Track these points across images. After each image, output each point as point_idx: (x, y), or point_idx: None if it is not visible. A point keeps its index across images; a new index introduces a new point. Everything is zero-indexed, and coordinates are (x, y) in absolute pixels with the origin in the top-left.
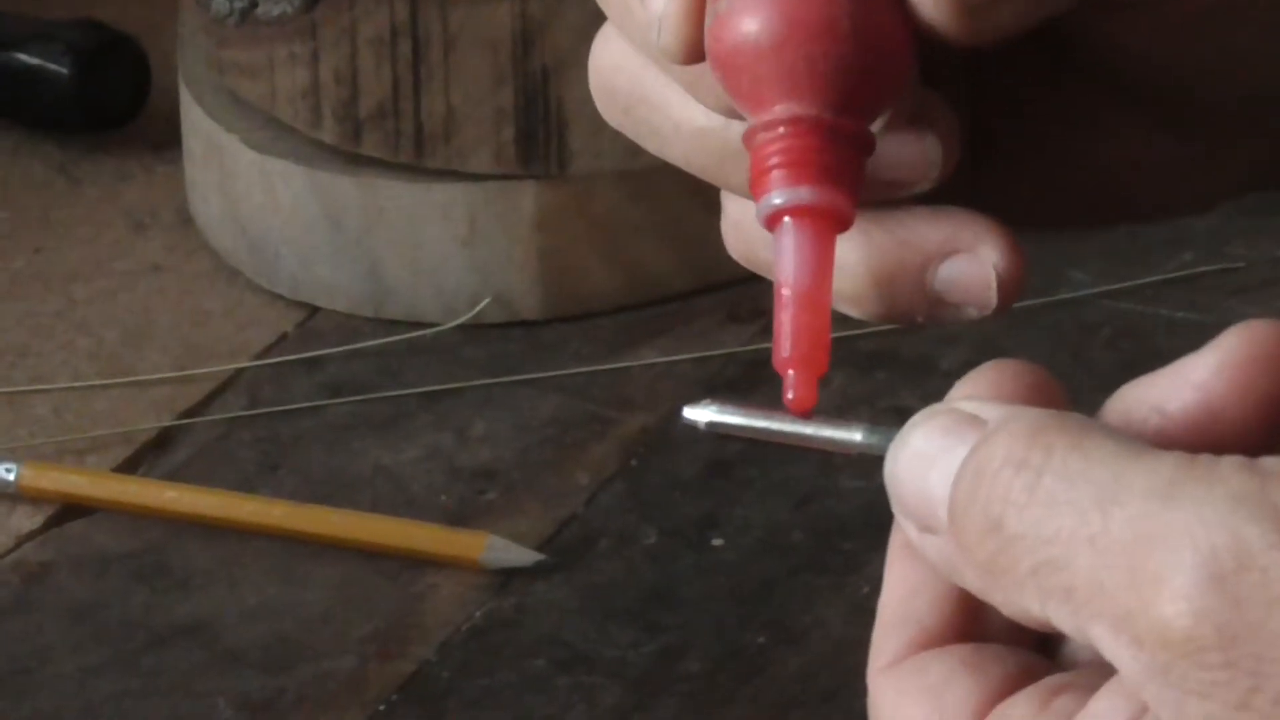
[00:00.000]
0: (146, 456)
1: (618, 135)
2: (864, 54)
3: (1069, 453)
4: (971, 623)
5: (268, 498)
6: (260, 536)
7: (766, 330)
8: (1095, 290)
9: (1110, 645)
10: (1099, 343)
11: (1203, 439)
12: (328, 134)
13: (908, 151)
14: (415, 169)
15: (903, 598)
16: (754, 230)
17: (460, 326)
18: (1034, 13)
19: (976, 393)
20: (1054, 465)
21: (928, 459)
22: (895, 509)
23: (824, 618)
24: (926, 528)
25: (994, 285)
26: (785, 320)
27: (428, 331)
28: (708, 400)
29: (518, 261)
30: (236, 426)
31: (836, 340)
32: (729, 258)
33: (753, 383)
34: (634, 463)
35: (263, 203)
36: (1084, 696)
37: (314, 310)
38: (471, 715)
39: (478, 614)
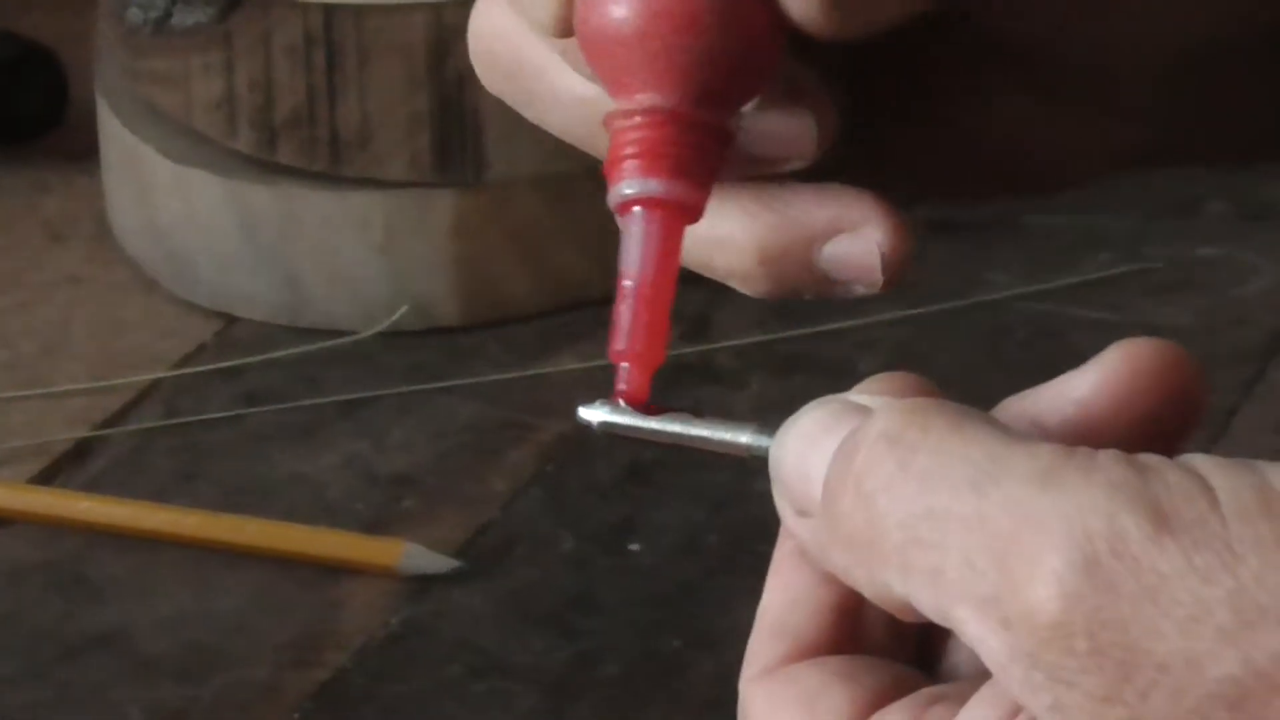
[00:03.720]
0: (63, 468)
1: (534, 141)
2: (727, 48)
3: (946, 432)
4: (849, 636)
5: (184, 507)
6: (176, 546)
7: (684, 337)
8: (1013, 292)
9: (975, 628)
10: (1016, 344)
11: None
12: (243, 143)
13: (782, 128)
14: (331, 177)
15: (782, 608)
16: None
17: (378, 334)
18: (898, 11)
19: (868, 391)
20: (930, 443)
21: (810, 441)
22: (775, 493)
23: (740, 620)
24: (802, 510)
25: (879, 264)
26: (624, 312)
27: (345, 340)
28: (601, 401)
29: (435, 269)
30: (154, 437)
31: (755, 344)
32: None
33: (671, 389)
34: (551, 469)
35: (180, 212)
36: (959, 708)
37: (232, 320)
38: None
39: (394, 621)
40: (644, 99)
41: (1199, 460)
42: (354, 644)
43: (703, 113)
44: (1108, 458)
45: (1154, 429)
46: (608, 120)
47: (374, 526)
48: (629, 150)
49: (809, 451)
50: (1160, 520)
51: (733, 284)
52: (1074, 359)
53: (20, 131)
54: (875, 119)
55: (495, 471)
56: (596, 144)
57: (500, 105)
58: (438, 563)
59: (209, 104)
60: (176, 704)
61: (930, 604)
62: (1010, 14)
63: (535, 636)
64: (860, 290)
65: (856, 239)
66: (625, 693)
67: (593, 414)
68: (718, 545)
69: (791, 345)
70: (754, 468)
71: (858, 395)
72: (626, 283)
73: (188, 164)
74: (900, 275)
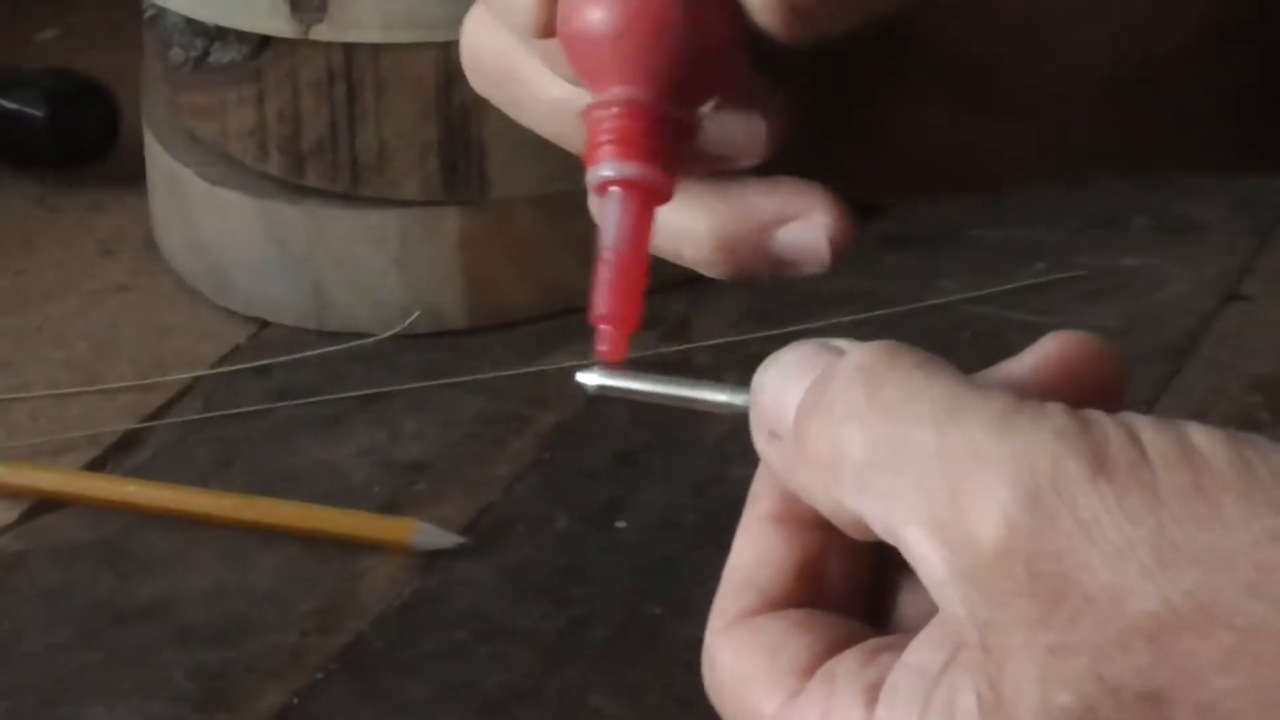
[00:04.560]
0: (112, 456)
1: (532, 164)
2: (694, 49)
3: (913, 370)
4: (808, 592)
5: (220, 491)
6: (213, 526)
7: (666, 338)
8: (960, 297)
9: (921, 547)
10: (963, 343)
11: None
12: (274, 167)
13: (740, 130)
14: (352, 197)
15: (749, 565)
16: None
17: (394, 337)
18: (853, 18)
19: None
20: (897, 377)
21: (787, 373)
22: (751, 420)
23: (715, 590)
24: (774, 433)
25: (827, 246)
26: (602, 281)
27: (365, 341)
28: (595, 366)
29: (444, 278)
30: (193, 428)
31: (730, 344)
32: None
33: None
34: (547, 456)
35: (217, 229)
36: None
37: (264, 324)
38: (402, 681)
39: (407, 591)
40: (619, 92)
41: (1132, 417)
42: (372, 612)
43: (671, 106)
44: (1056, 408)
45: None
46: (586, 111)
47: (389, 507)
48: (606, 137)
49: (786, 382)
50: (1098, 464)
51: (700, 270)
52: (1012, 355)
53: (77, 157)
54: (818, 123)
55: (498, 458)
56: (574, 141)
57: (502, 133)
58: (446, 539)
59: (243, 132)
60: (215, 666)
61: (881, 522)
62: (952, 28)
63: (532, 605)
64: (812, 269)
65: (805, 225)
66: (612, 654)
67: (589, 378)
68: (697, 523)
69: (762, 345)
70: (729, 454)
71: (835, 340)
72: (605, 254)
73: (224, 186)
74: (846, 255)
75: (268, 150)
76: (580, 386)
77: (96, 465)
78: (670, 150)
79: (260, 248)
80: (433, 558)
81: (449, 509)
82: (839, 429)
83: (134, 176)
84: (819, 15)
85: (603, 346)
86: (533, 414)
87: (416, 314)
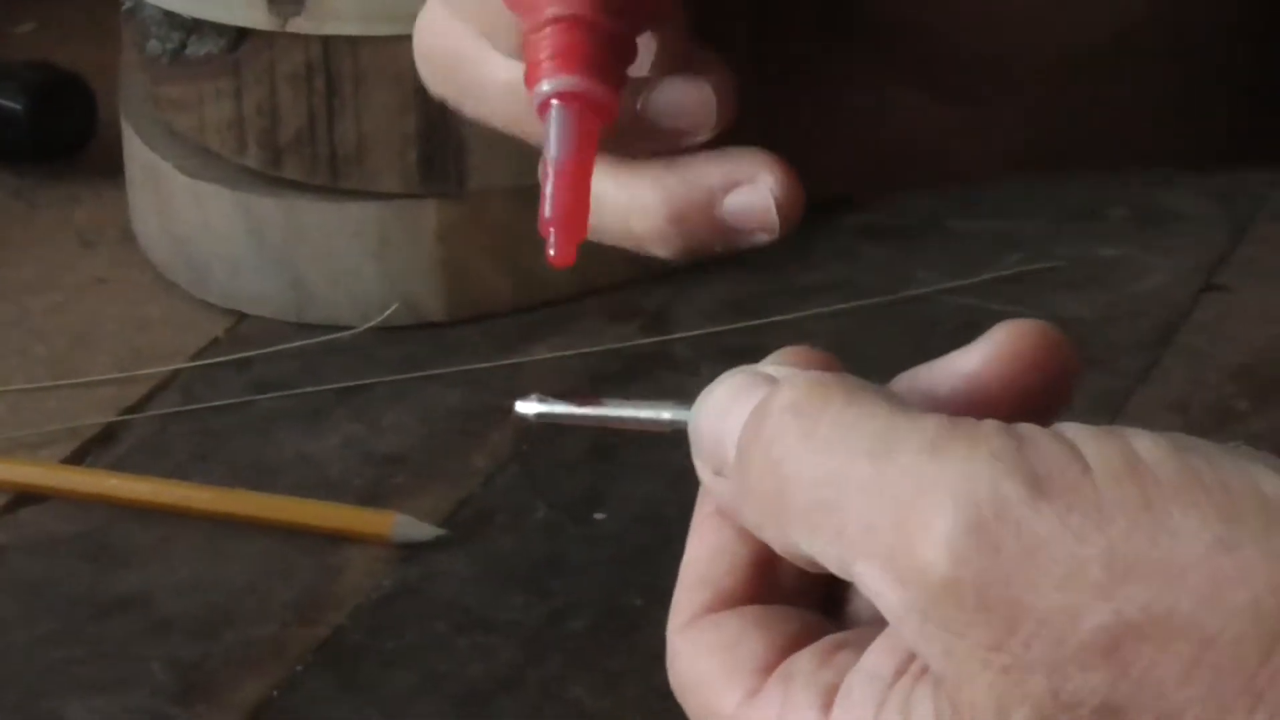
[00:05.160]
0: (91, 449)
1: (511, 156)
2: None
3: (845, 405)
4: (763, 586)
5: (199, 484)
6: (192, 518)
7: (645, 328)
8: (937, 288)
9: (874, 583)
10: (941, 334)
11: None
12: (252, 160)
13: (687, 100)
14: (331, 190)
15: (703, 562)
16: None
17: (372, 329)
18: None
19: (775, 362)
20: (830, 415)
21: (723, 409)
22: (694, 455)
23: None
24: (718, 470)
25: (774, 209)
26: (549, 190)
27: (344, 334)
28: (534, 395)
29: (423, 270)
30: (173, 421)
31: (707, 335)
32: (612, 264)
33: (632, 375)
34: (526, 448)
35: (196, 222)
36: (860, 652)
37: (242, 317)
38: (381, 674)
39: (386, 584)
40: (553, 10)
41: (1070, 429)
42: (350, 604)
43: (607, 20)
44: (989, 428)
45: (1032, 401)
46: (524, 38)
47: (369, 499)
48: (544, 54)
49: (723, 417)
50: (1037, 486)
51: (651, 248)
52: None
53: (55, 150)
54: (768, 108)
55: (477, 450)
56: (526, 127)
57: (479, 126)
58: (425, 531)
59: (221, 125)
60: (193, 659)
61: (834, 560)
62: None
63: (512, 596)
64: (762, 238)
65: (753, 190)
66: (592, 645)
67: (527, 407)
68: (675, 515)
69: (739, 336)
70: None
71: (765, 366)
72: (550, 166)
73: (202, 179)
74: (795, 219)
75: (246, 143)
76: (520, 417)
77: (76, 458)
78: (609, 64)
79: (239, 240)
80: (412, 550)
81: (428, 501)
82: (779, 471)
83: (112, 169)
84: None
85: (551, 251)
86: (512, 406)
87: (395, 306)
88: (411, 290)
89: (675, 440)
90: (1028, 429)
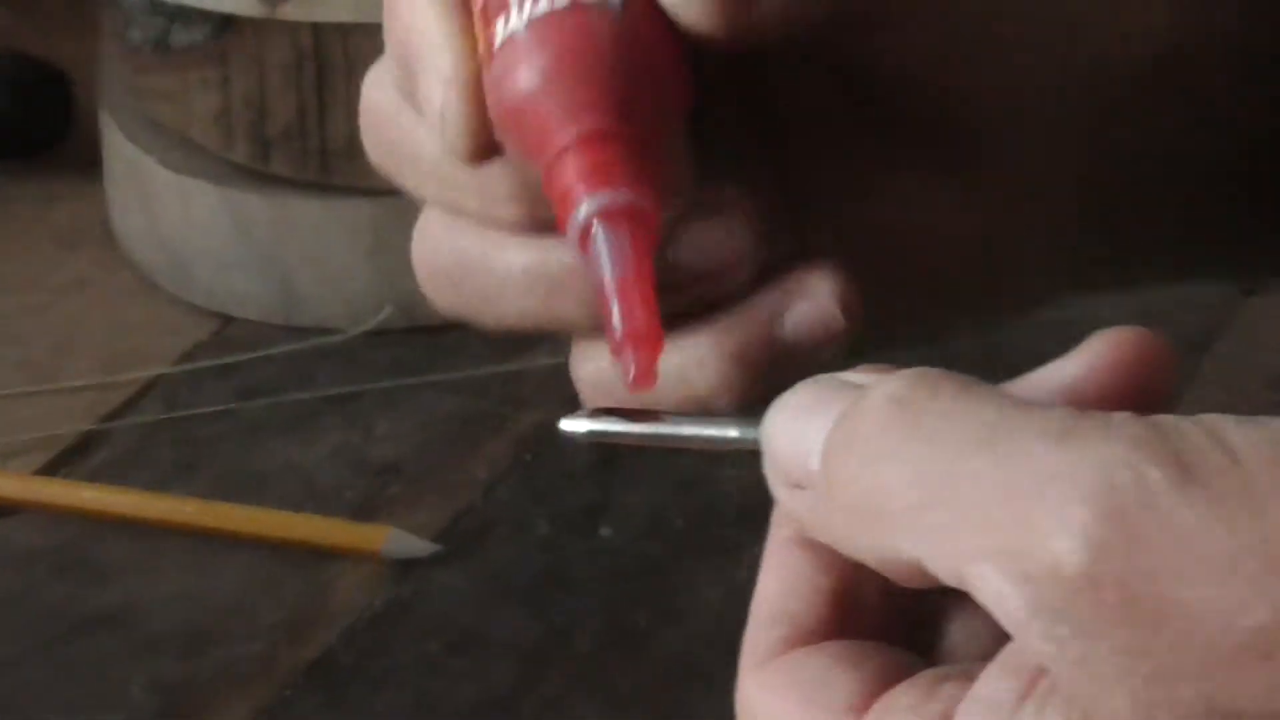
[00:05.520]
0: (69, 459)
1: None
2: (635, 64)
3: (956, 395)
4: (846, 622)
5: (182, 495)
6: (175, 532)
7: None
8: None
9: (993, 585)
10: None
11: None
12: (239, 154)
13: (713, 237)
14: (321, 186)
15: (778, 595)
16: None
17: (365, 332)
18: (789, 12)
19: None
20: (939, 405)
21: (804, 415)
22: (767, 469)
23: (704, 598)
24: (796, 482)
25: (839, 313)
26: (615, 310)
27: (335, 338)
28: (583, 410)
29: None
30: (154, 430)
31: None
32: None
33: None
34: (527, 457)
35: (180, 219)
36: (968, 685)
37: (228, 319)
38: (372, 696)
39: (378, 602)
40: (570, 132)
41: (1211, 418)
42: (341, 623)
43: (630, 128)
44: (1123, 417)
45: (1135, 411)
46: (545, 175)
47: (361, 513)
48: (573, 178)
49: (803, 424)
50: (1185, 471)
51: (718, 401)
52: (1032, 358)
53: (31, 145)
54: (800, 226)
55: (474, 460)
56: (552, 312)
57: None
58: (420, 547)
59: (206, 118)
60: (176, 680)
61: (943, 563)
62: (897, 57)
63: (511, 614)
64: (830, 346)
65: (812, 300)
66: (595, 665)
67: (575, 424)
68: (682, 528)
69: None
70: (717, 454)
71: (849, 375)
72: (609, 286)
73: (187, 174)
74: (858, 319)
75: (233, 136)
76: (567, 436)
77: (52, 469)
78: (645, 171)
79: (225, 239)
80: (406, 566)
81: (423, 514)
82: (880, 468)
83: (91, 165)
84: (742, 8)
85: (630, 373)
86: (512, 414)
87: (389, 309)
88: (406, 292)
89: (684, 450)
90: (1165, 418)
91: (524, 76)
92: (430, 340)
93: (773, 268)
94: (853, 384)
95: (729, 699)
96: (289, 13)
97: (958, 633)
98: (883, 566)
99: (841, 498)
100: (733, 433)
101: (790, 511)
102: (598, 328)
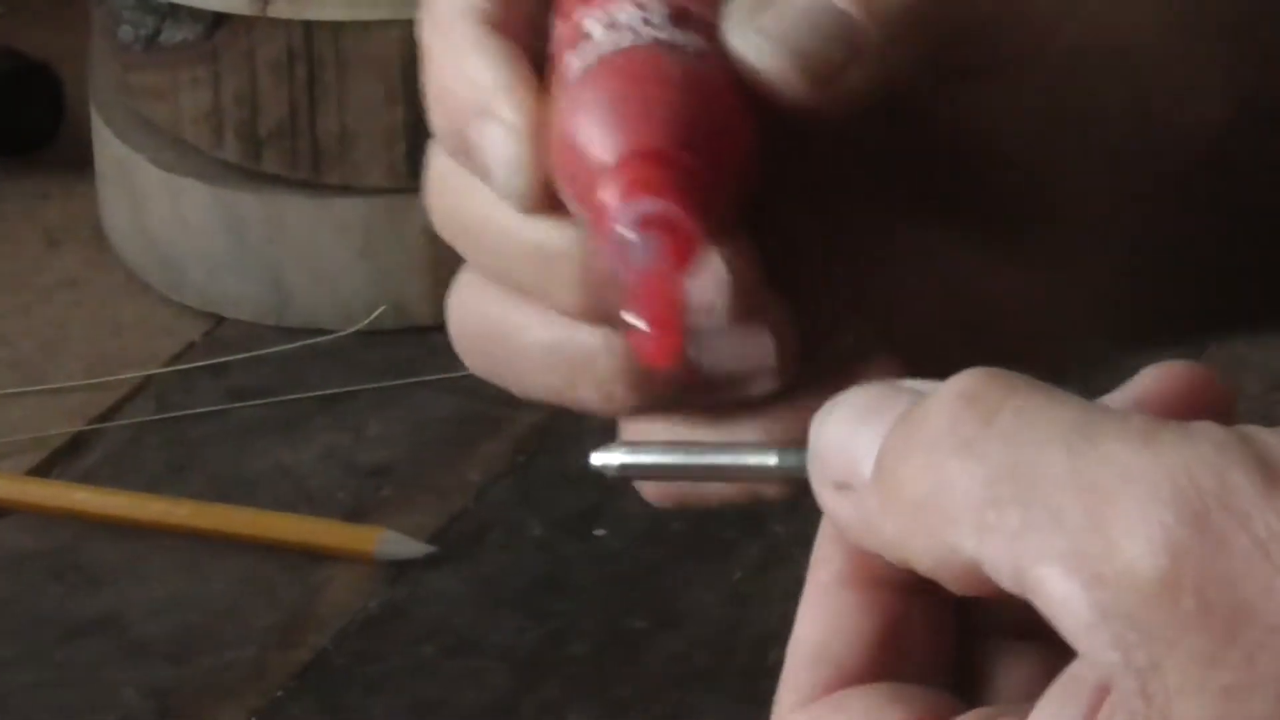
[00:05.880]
0: (59, 460)
1: None
2: (703, 108)
3: (1032, 393)
4: (890, 663)
5: (174, 497)
6: (166, 534)
7: None
8: None
9: (1060, 586)
10: None
11: None
12: (230, 153)
13: (744, 342)
14: (313, 185)
15: (822, 635)
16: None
17: (358, 332)
18: (881, 74)
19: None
20: (1015, 402)
21: (857, 417)
22: (813, 473)
23: (701, 602)
24: (844, 484)
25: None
26: (635, 307)
27: (327, 338)
28: (615, 443)
29: (411, 270)
30: (146, 430)
31: None
32: None
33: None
34: (522, 459)
35: (171, 219)
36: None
37: (220, 320)
38: (366, 700)
39: (372, 604)
40: (614, 151)
41: None
42: (334, 626)
43: (681, 152)
44: (1204, 424)
45: None
46: (587, 202)
47: (353, 515)
48: (613, 195)
49: (856, 427)
50: (1269, 476)
51: (767, 494)
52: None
53: (20, 144)
54: (854, 300)
55: (468, 462)
56: (577, 393)
57: None
58: (412, 548)
59: (197, 116)
60: (168, 683)
61: (1006, 564)
62: (984, 110)
63: (506, 618)
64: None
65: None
66: (592, 670)
67: (608, 458)
68: (680, 531)
69: None
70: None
71: (908, 381)
72: (633, 282)
73: (177, 173)
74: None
75: (224, 135)
76: (598, 471)
77: (42, 470)
78: (696, 195)
79: (216, 238)
80: (399, 568)
81: (417, 516)
82: (946, 463)
83: (81, 163)
84: (845, 73)
85: (645, 345)
86: (507, 414)
87: (382, 308)
88: (399, 291)
89: (722, 480)
90: (1246, 427)
91: (583, 106)
92: (423, 340)
93: (834, 355)
94: (910, 389)
95: (728, 703)
96: (280, 10)
97: (1003, 676)
98: (936, 569)
99: (900, 496)
100: (773, 460)
101: (834, 515)
102: (624, 411)
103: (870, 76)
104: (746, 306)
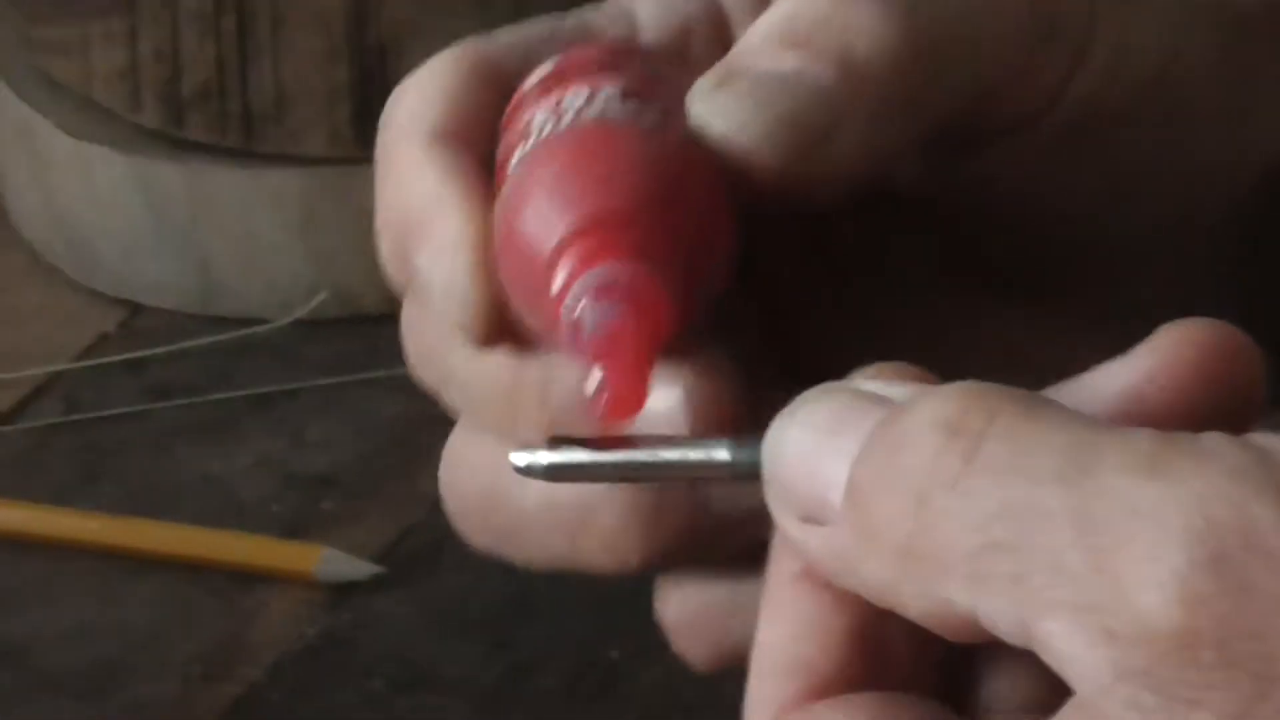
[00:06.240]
0: None
1: None
2: (665, 186)
3: (1018, 418)
4: (870, 669)
5: (85, 510)
6: (77, 553)
7: None
8: None
9: (1066, 644)
10: None
11: None
12: (149, 117)
13: (749, 492)
14: (245, 153)
15: (789, 639)
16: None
17: (296, 323)
18: (869, 151)
19: (869, 375)
20: (998, 430)
21: (821, 436)
22: (772, 497)
23: None
24: (811, 517)
25: None
26: (595, 369)
27: (260, 329)
28: (539, 441)
29: (357, 251)
30: (52, 434)
31: None
32: None
33: None
34: None
35: (80, 192)
36: None
37: (137, 308)
38: None
39: (311, 632)
40: (563, 227)
41: None
42: (268, 657)
43: (643, 219)
44: (1217, 441)
45: (1212, 423)
46: (535, 299)
47: (291, 530)
48: (566, 273)
49: (820, 448)
50: None
51: None
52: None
53: None
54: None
55: (422, 470)
56: (581, 554)
57: None
58: (357, 568)
59: (111, 75)
60: None
61: (1007, 618)
62: (995, 180)
63: (465, 647)
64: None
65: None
66: (562, 706)
67: (530, 458)
68: None
69: None
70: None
71: (870, 384)
72: (590, 348)
73: (88, 139)
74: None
75: (142, 96)
76: (522, 473)
77: None
78: (665, 255)
79: (133, 215)
80: (343, 590)
81: (363, 532)
82: (928, 509)
83: None
84: (828, 147)
85: (605, 396)
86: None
87: (324, 295)
88: (343, 276)
89: (665, 480)
90: (1267, 439)
91: (522, 192)
92: (371, 331)
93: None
94: (877, 396)
95: None
96: None
97: (997, 682)
98: (928, 619)
99: (880, 540)
100: (724, 455)
101: (802, 550)
102: (638, 568)
103: (855, 152)
104: (710, 422)
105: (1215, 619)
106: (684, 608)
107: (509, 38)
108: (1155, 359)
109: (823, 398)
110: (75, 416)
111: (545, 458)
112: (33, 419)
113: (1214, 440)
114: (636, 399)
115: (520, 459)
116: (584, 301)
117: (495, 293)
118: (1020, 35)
